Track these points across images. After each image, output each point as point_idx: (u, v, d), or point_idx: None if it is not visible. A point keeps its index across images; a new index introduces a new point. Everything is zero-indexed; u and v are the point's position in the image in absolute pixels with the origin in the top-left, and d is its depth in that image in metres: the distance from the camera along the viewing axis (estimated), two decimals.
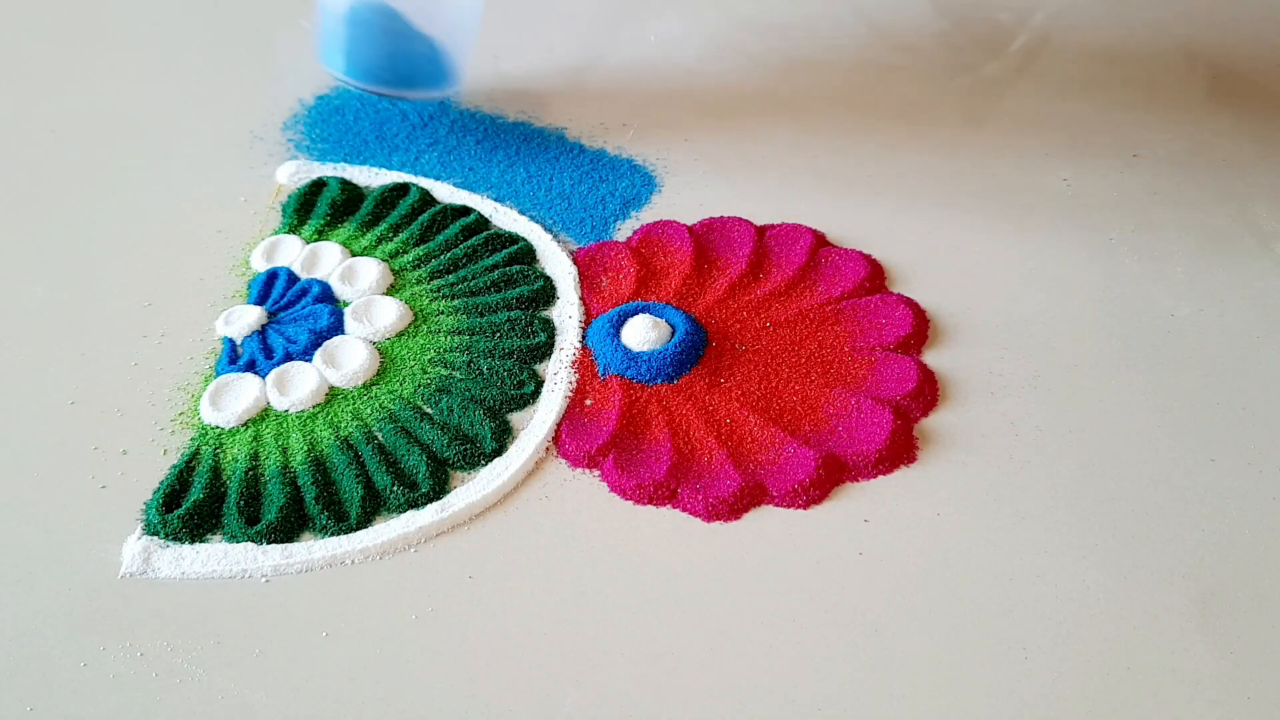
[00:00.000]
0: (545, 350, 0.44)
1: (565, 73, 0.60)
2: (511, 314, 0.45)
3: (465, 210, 0.51)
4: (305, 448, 0.40)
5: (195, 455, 0.40)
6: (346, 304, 0.46)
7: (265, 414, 0.42)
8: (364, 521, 0.38)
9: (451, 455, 0.40)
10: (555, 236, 0.49)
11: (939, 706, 0.33)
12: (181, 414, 0.42)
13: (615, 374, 0.43)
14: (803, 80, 0.60)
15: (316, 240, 0.49)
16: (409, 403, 0.42)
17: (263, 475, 0.39)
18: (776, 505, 0.39)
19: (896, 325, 0.45)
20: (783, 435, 0.40)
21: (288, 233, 0.49)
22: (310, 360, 0.43)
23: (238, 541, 0.37)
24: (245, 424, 0.41)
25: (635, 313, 0.45)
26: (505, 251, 0.48)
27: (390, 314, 0.45)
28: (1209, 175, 0.54)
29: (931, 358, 0.44)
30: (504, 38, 0.63)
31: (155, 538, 0.37)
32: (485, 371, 0.43)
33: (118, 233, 0.50)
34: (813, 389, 0.42)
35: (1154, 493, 0.39)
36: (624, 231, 0.50)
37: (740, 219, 0.50)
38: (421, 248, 0.49)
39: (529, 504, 0.39)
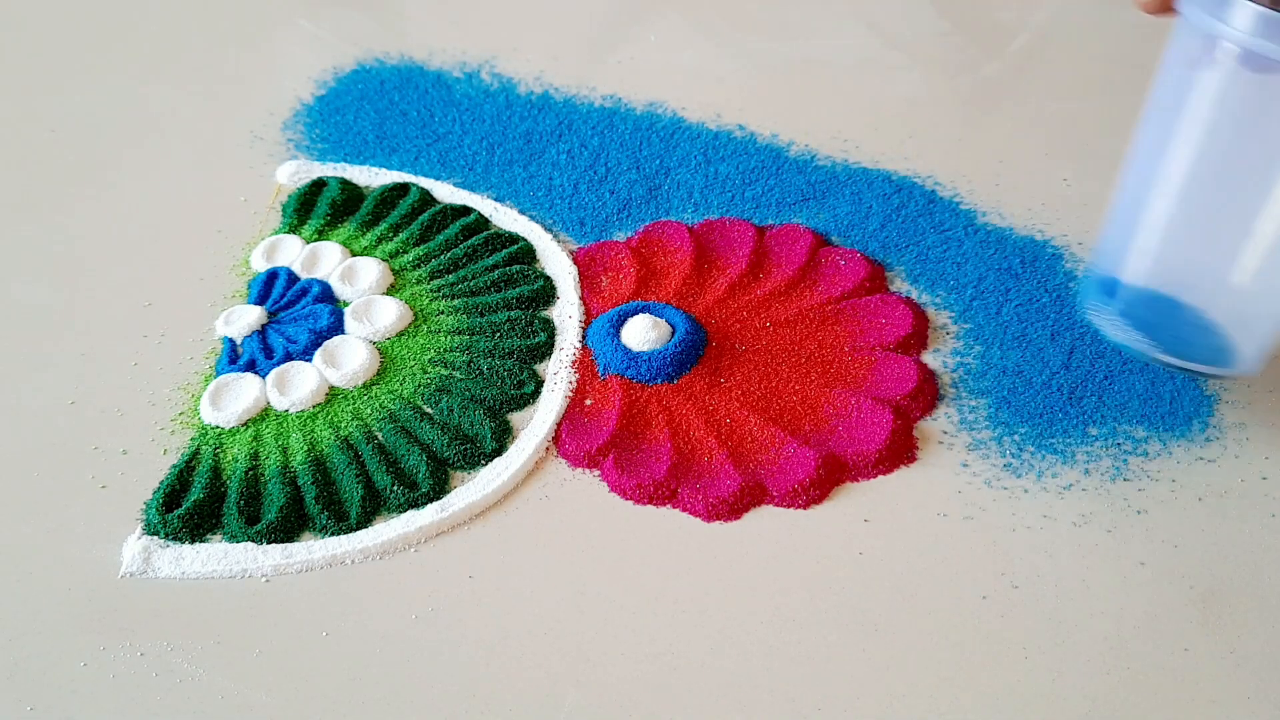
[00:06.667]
0: (545, 350, 0.44)
1: (566, 72, 0.60)
2: (511, 314, 0.45)
3: (465, 210, 0.51)
4: (305, 448, 0.40)
5: (195, 455, 0.40)
6: (346, 304, 0.46)
7: (265, 414, 0.42)
8: (364, 521, 0.38)
9: (451, 455, 0.40)
10: (555, 236, 0.49)
11: (939, 706, 0.33)
12: (181, 414, 0.42)
13: (615, 374, 0.43)
14: (803, 80, 0.60)
15: (316, 240, 0.49)
16: (409, 402, 0.42)
17: (263, 475, 0.39)
18: (776, 505, 0.39)
19: (896, 325, 0.45)
20: (783, 435, 0.40)
21: (288, 233, 0.49)
22: (310, 360, 0.43)
23: (238, 541, 0.37)
24: (245, 424, 0.41)
25: (635, 313, 0.45)
26: (505, 251, 0.48)
27: (390, 314, 0.45)
28: None
29: (931, 358, 0.44)
30: (504, 38, 0.63)
31: (155, 537, 0.37)
32: (485, 371, 0.43)
33: (118, 233, 0.50)
34: (813, 389, 0.42)
35: (1154, 492, 0.39)
36: (623, 231, 0.50)
37: (740, 219, 0.50)
38: (421, 247, 0.49)
39: (529, 504, 0.39)
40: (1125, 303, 0.40)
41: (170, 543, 0.37)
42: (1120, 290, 0.40)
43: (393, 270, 0.48)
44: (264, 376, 0.43)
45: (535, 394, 0.42)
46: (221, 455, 0.40)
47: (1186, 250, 0.39)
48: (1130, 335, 0.40)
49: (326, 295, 0.46)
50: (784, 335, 0.45)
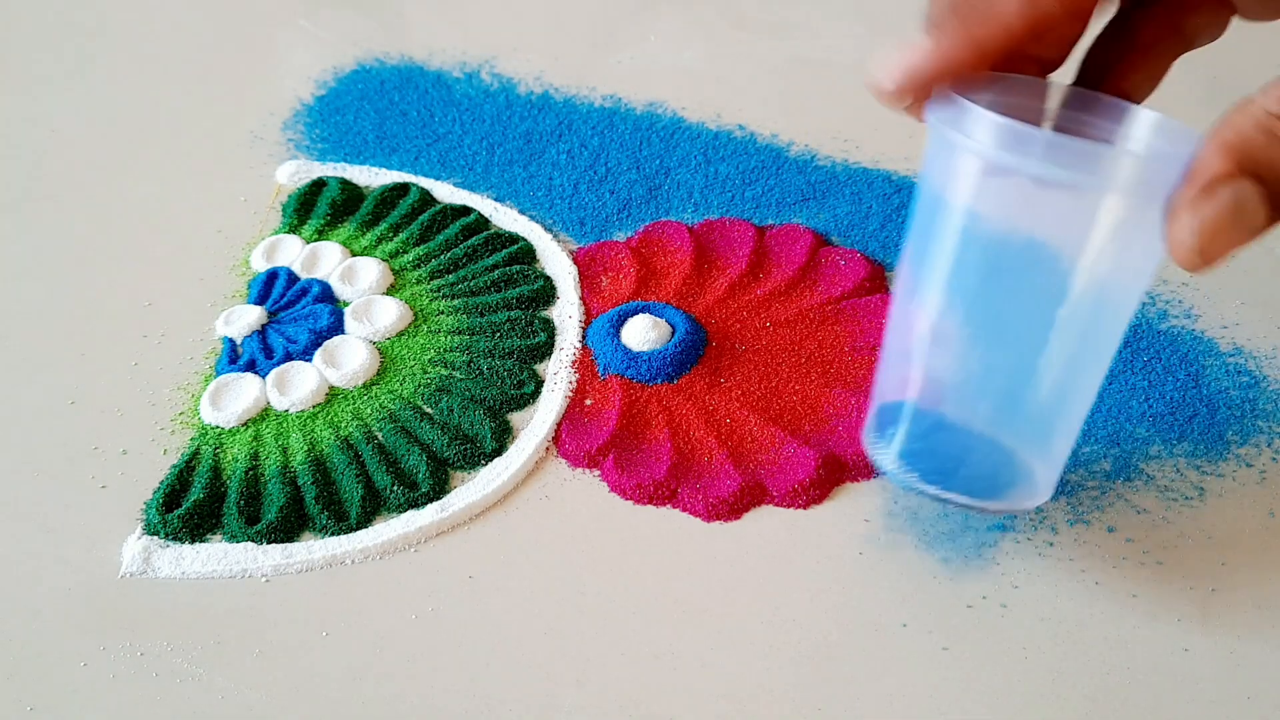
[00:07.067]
0: (545, 350, 0.44)
1: (566, 72, 0.60)
2: (511, 314, 0.45)
3: (465, 210, 0.51)
4: (305, 448, 0.40)
5: (195, 455, 0.40)
6: (346, 304, 0.46)
7: (265, 414, 0.42)
8: (364, 521, 0.38)
9: (451, 455, 0.40)
10: (555, 236, 0.49)
11: (939, 706, 0.33)
12: (181, 414, 0.42)
13: (615, 374, 0.43)
14: (803, 80, 0.60)
15: (316, 240, 0.49)
16: (409, 402, 0.42)
17: (263, 475, 0.39)
18: (776, 505, 0.39)
19: None
20: (783, 435, 0.40)
21: (288, 233, 0.49)
22: (310, 360, 0.43)
23: (238, 541, 0.37)
24: (245, 424, 0.41)
25: (635, 312, 0.45)
26: (505, 251, 0.48)
27: (390, 314, 0.45)
28: None
29: None
30: (504, 38, 0.63)
31: (155, 538, 0.37)
32: (485, 371, 0.43)
33: (118, 233, 0.50)
34: (813, 389, 0.42)
35: (1153, 492, 0.39)
36: (623, 231, 0.50)
37: (740, 219, 0.50)
38: (421, 247, 0.49)
39: (529, 504, 0.39)
40: (903, 433, 0.35)
41: (170, 543, 0.37)
42: (896, 419, 0.35)
43: (393, 270, 0.48)
44: (264, 376, 0.43)
45: (535, 394, 0.42)
46: (221, 455, 0.40)
47: (959, 370, 0.34)
48: (905, 471, 0.35)
49: (326, 295, 0.46)
50: (784, 335, 0.45)
